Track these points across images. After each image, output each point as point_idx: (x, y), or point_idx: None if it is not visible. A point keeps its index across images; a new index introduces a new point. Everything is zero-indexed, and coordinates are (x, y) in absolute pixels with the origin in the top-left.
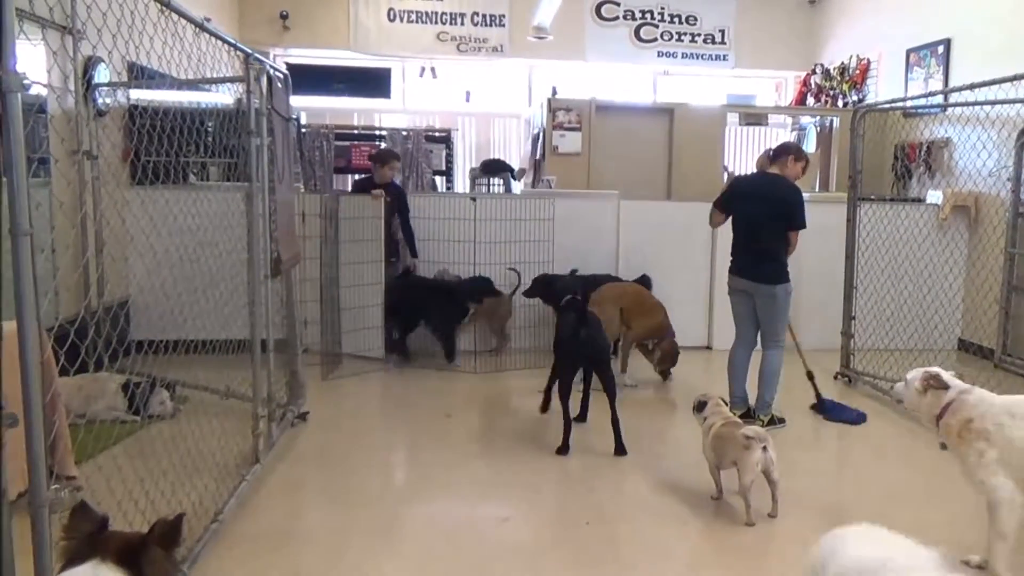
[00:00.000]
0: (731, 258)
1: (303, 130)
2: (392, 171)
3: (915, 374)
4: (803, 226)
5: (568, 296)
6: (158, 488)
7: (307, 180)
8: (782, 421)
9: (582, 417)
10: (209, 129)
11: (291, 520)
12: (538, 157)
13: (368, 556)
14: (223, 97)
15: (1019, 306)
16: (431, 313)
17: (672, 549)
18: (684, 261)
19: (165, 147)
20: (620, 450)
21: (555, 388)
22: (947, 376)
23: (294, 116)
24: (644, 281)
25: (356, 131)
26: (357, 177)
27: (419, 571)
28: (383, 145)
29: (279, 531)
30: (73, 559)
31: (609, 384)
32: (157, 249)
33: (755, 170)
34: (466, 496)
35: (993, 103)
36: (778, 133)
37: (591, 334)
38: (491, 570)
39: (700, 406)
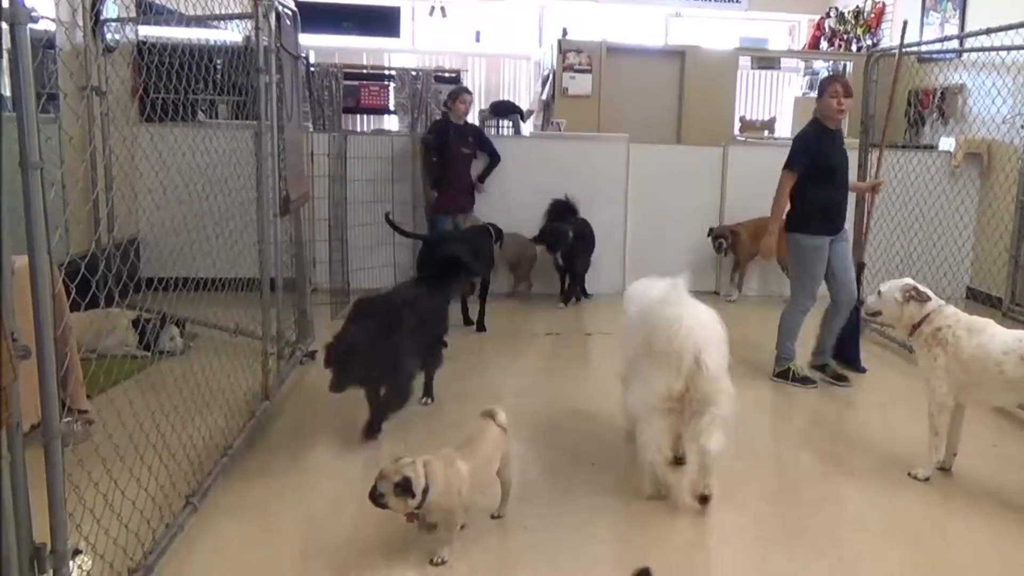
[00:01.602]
0: None
1: (312, 69)
2: (464, 106)
3: (891, 286)
4: (786, 166)
5: None
6: (169, 422)
7: (316, 119)
8: (811, 381)
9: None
10: (218, 67)
11: (300, 455)
12: (547, 98)
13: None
14: (232, 34)
15: None
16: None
17: None
18: (693, 205)
19: (174, 84)
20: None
21: None
22: (924, 288)
23: (303, 54)
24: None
25: (365, 71)
26: (435, 118)
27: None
28: (392, 85)
29: (288, 466)
30: None
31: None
32: (166, 186)
33: None
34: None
35: (1009, 49)
36: (790, 78)
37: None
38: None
39: None
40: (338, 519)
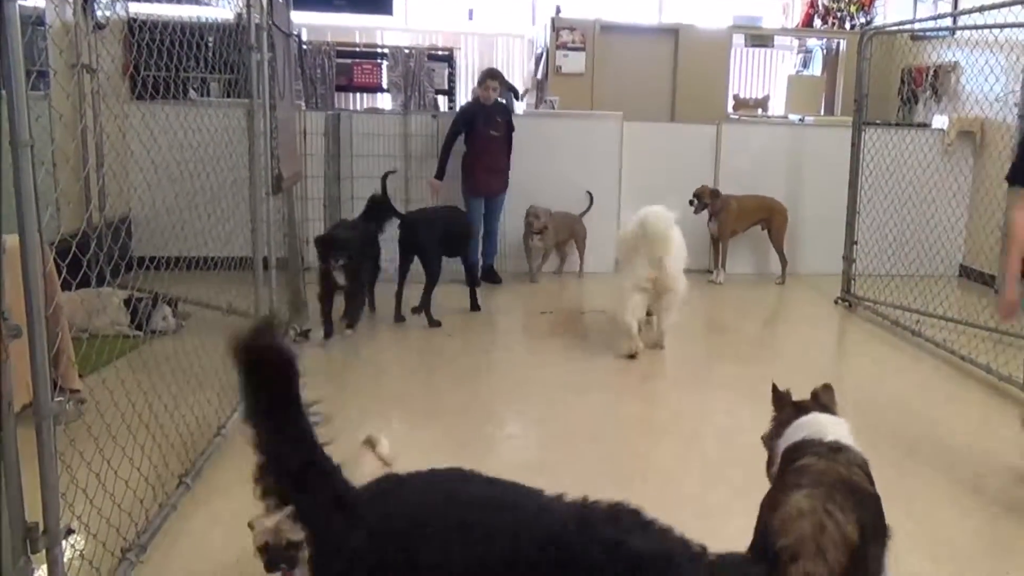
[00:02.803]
0: None
1: (304, 47)
2: (489, 91)
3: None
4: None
5: None
6: (161, 401)
7: (308, 98)
8: None
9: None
10: (209, 44)
11: None
12: (540, 77)
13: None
14: (223, 12)
15: None
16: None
17: None
18: (688, 182)
19: (165, 62)
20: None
21: None
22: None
23: (295, 32)
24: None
25: (358, 49)
26: (464, 103)
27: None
28: (385, 63)
29: None
30: None
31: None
32: (158, 165)
33: None
34: (472, 416)
35: (1003, 26)
36: (784, 55)
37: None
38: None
39: None
40: None
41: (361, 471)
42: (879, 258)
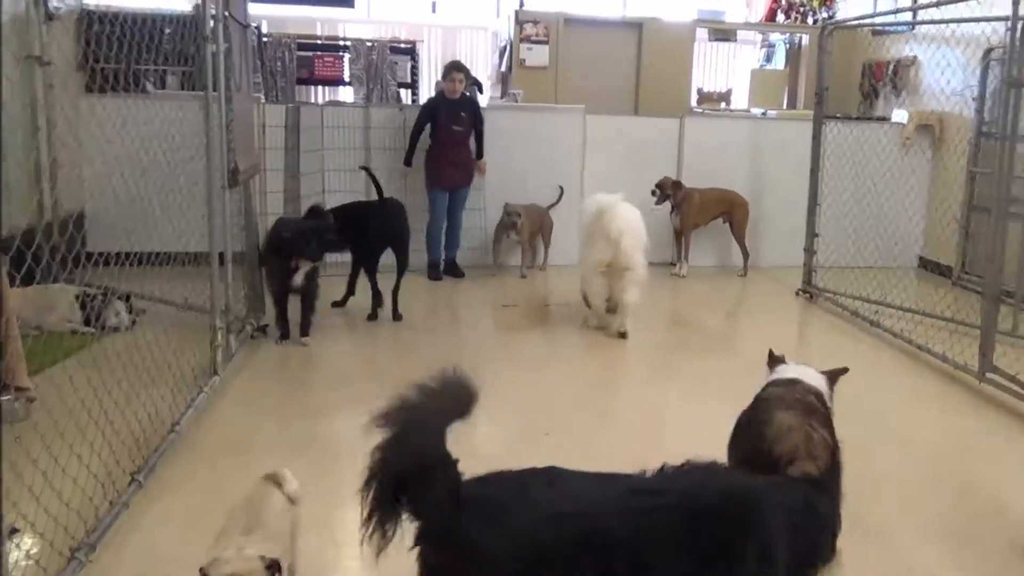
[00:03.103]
0: None
1: (264, 39)
2: (454, 83)
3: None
4: None
5: None
6: (112, 399)
7: (268, 91)
8: None
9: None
10: (166, 36)
11: (249, 431)
12: (505, 70)
13: (327, 467)
14: (179, 3)
15: (978, 225)
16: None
17: None
18: (651, 176)
19: (120, 54)
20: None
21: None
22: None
23: (253, 24)
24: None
25: (319, 41)
26: (429, 96)
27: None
28: (347, 56)
29: (237, 442)
30: None
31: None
32: (112, 159)
33: None
34: None
35: (960, 21)
36: (747, 50)
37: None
38: None
39: None
40: None
41: (264, 511)
42: (839, 250)
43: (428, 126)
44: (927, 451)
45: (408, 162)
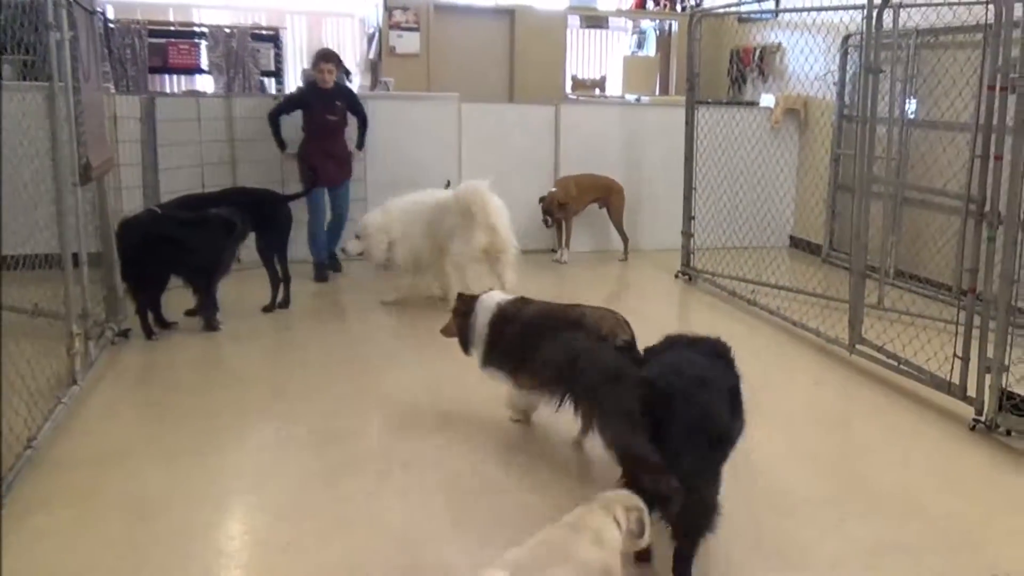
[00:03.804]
0: None
1: (111, 25)
2: (324, 73)
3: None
4: None
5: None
6: None
7: (118, 80)
8: None
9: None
10: (1, 23)
11: (114, 442)
12: (374, 57)
13: (198, 476)
14: None
15: (843, 204)
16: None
17: None
18: (529, 162)
19: None
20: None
21: None
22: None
23: (98, 9)
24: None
25: (173, 27)
26: (295, 88)
27: (256, 488)
28: (204, 43)
29: (102, 454)
30: None
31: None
32: None
33: None
34: (301, 405)
35: (820, 9)
36: (619, 36)
37: None
38: (324, 480)
39: None
40: (164, 506)
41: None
42: (715, 232)
43: (303, 118)
44: (801, 423)
45: (281, 145)
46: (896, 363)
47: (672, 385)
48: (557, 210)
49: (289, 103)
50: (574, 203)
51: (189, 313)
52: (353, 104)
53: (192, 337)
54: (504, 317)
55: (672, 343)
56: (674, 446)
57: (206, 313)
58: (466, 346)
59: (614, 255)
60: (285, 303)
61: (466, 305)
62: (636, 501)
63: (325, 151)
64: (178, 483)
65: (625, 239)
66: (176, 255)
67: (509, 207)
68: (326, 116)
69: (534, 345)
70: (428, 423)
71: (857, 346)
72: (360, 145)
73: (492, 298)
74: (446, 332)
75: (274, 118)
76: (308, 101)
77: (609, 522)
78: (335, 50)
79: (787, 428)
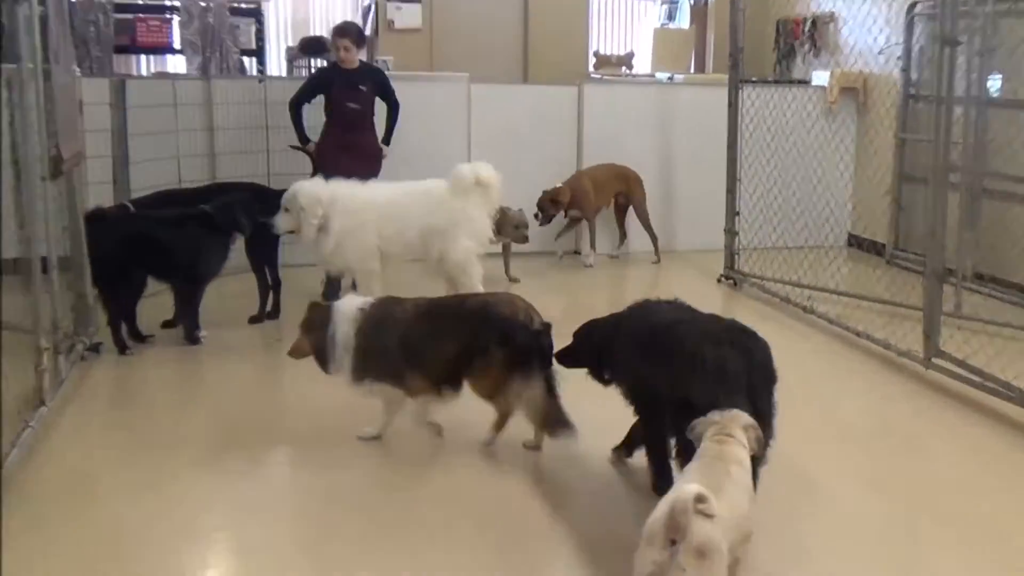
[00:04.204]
0: None
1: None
2: (341, 51)
3: None
4: None
5: None
6: None
7: (80, 61)
8: None
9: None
10: None
11: (88, 466)
12: (370, 34)
13: (177, 501)
14: None
15: (911, 197)
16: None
17: None
18: (548, 151)
19: None
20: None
21: None
22: None
23: None
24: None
25: (141, 2)
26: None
27: (234, 512)
28: (176, 19)
29: (74, 479)
30: None
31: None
32: None
33: None
34: (282, 427)
35: None
36: (647, 7)
37: None
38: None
39: None
40: (136, 541)
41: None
42: (763, 230)
43: (324, 103)
44: (872, 444)
45: (303, 140)
46: (980, 379)
47: (739, 339)
48: (550, 206)
49: (309, 87)
50: (585, 199)
51: (167, 324)
52: (384, 88)
53: (170, 351)
54: (374, 322)
55: (643, 307)
56: (755, 395)
57: (187, 324)
58: (325, 364)
59: (645, 257)
60: (275, 313)
61: (320, 316)
62: (748, 419)
63: (343, 143)
64: (151, 515)
65: (654, 237)
66: (156, 256)
67: (525, 202)
68: (346, 103)
69: (426, 346)
70: (425, 448)
71: (934, 360)
72: (387, 139)
73: (351, 304)
74: (295, 352)
75: (296, 107)
76: (328, 84)
77: (742, 446)
78: (321, 26)
79: (862, 451)
